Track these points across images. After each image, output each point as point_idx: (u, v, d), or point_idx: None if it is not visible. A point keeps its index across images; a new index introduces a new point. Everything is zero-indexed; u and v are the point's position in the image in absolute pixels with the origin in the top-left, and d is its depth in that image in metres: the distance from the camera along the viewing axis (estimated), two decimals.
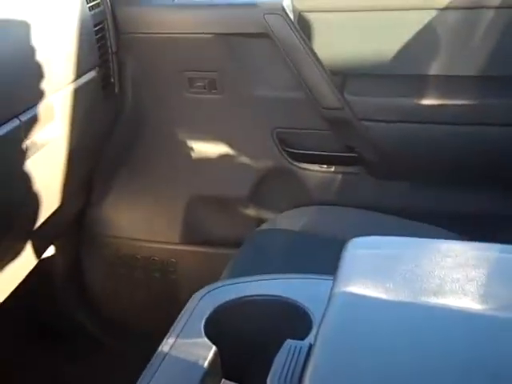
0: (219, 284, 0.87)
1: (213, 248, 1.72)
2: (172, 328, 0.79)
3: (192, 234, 1.74)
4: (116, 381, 1.71)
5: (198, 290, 1.66)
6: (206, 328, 0.78)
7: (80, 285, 1.85)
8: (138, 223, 1.78)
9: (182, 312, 0.82)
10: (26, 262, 1.53)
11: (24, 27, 1.26)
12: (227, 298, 0.82)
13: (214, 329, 0.79)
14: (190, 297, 1.70)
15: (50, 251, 1.75)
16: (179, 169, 1.70)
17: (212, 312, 0.80)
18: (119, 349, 1.83)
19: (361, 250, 0.76)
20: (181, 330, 0.77)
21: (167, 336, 0.78)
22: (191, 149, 1.68)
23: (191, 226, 1.74)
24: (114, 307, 1.85)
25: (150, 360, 1.61)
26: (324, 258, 1.22)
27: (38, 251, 1.58)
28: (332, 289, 0.70)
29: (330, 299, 0.68)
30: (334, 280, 0.71)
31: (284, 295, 0.82)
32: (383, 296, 0.66)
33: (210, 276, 1.61)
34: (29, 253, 1.53)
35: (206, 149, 1.67)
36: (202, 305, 0.81)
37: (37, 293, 1.73)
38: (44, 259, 1.65)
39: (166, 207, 1.74)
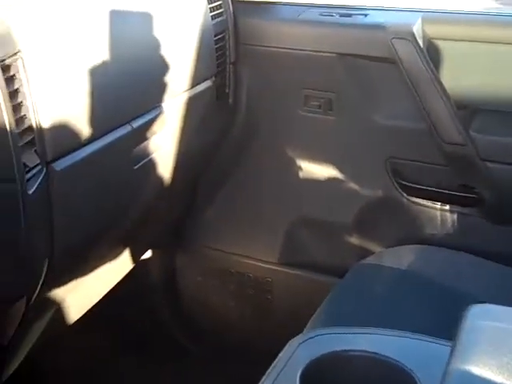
0: (317, 332, 0.81)
1: (311, 273, 1.66)
2: (265, 376, 0.74)
3: (291, 255, 1.69)
4: None
5: (291, 313, 1.64)
6: (301, 381, 0.72)
7: (172, 292, 1.83)
8: (237, 237, 1.74)
9: (277, 360, 0.76)
10: (122, 265, 1.53)
11: (146, 32, 1.24)
12: (325, 350, 0.76)
13: (310, 382, 0.73)
14: (283, 318, 1.67)
15: (147, 256, 1.74)
16: (285, 187, 1.65)
17: (308, 364, 0.74)
18: (206, 359, 1.80)
19: (482, 322, 0.68)
20: (274, 380, 0.72)
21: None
22: (300, 168, 1.63)
23: (291, 247, 1.68)
24: (204, 318, 1.83)
25: (234, 373, 1.57)
26: (431, 308, 1.15)
27: (135, 256, 1.57)
28: (449, 363, 0.62)
29: (446, 375, 0.61)
30: (452, 353, 0.64)
31: (389, 355, 0.75)
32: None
33: (305, 301, 1.56)
34: (126, 257, 1.52)
35: (314, 170, 1.61)
36: (298, 354, 0.75)
37: (129, 297, 1.72)
38: (140, 264, 1.64)
39: (268, 225, 1.69)
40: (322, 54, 1.49)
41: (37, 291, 1.01)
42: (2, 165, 0.83)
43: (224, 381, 1.70)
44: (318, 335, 0.79)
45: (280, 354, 0.77)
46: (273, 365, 0.76)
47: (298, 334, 0.86)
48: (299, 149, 1.62)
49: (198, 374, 1.76)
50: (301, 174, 1.63)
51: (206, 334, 1.82)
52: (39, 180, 0.95)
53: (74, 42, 1.05)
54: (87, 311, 1.46)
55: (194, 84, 1.41)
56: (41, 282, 1.01)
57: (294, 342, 0.78)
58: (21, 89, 0.92)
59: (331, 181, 1.60)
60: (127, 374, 1.73)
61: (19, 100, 0.91)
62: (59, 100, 1.00)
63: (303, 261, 1.67)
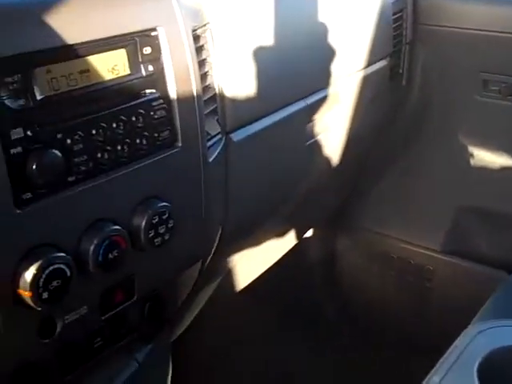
0: (497, 323, 0.77)
1: (475, 264, 1.60)
2: (438, 364, 0.71)
3: (455, 244, 1.63)
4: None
5: (451, 303, 1.58)
6: (478, 370, 0.69)
7: (331, 273, 1.83)
8: (400, 222, 1.71)
9: (452, 348, 0.73)
10: (285, 242, 1.55)
11: (326, 9, 1.23)
12: (506, 342, 0.72)
13: (487, 375, 0.69)
14: (441, 308, 1.62)
15: (308, 236, 1.75)
16: (455, 174, 1.60)
17: (487, 354, 0.70)
18: (361, 343, 1.78)
19: None
20: (449, 368, 0.69)
21: (431, 373, 0.70)
22: (471, 155, 1.56)
23: (456, 235, 1.63)
24: (361, 302, 1.81)
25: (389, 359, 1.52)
26: None
27: (298, 234, 1.58)
28: None
29: None
30: None
31: None
32: None
33: (466, 293, 1.50)
34: (289, 234, 1.54)
35: (488, 158, 1.54)
36: (474, 345, 0.72)
37: (288, 275, 1.73)
38: (301, 243, 1.65)
39: (434, 211, 1.65)
40: (506, 34, 1.42)
41: (209, 257, 1.03)
42: (188, 131, 0.85)
43: (378, 365, 1.68)
44: (497, 326, 0.76)
45: (455, 342, 0.74)
46: (447, 352, 0.73)
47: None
48: (473, 135, 1.55)
49: (352, 357, 1.75)
50: (472, 162, 1.57)
51: (362, 317, 1.80)
52: (218, 149, 0.98)
53: (256, 18, 1.06)
54: (248, 284, 1.49)
55: (369, 63, 1.39)
56: (213, 249, 1.04)
57: (471, 331, 0.75)
58: (208, 59, 0.94)
59: (506, 170, 1.53)
60: (281, 350, 1.75)
61: (206, 70, 0.94)
62: (240, 73, 1.02)
63: (468, 251, 1.61)
